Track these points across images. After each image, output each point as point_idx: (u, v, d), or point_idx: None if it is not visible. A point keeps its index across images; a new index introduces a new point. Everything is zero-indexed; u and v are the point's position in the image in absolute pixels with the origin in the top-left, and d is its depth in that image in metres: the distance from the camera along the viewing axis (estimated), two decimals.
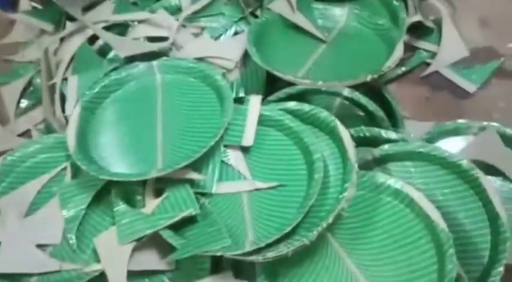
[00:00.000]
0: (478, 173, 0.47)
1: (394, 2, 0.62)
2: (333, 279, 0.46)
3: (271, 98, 0.55)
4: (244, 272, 0.47)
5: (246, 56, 0.60)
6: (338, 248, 0.47)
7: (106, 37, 0.60)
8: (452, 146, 0.57)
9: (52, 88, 0.62)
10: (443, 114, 0.63)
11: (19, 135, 0.64)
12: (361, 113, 0.56)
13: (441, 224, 0.44)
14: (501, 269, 0.43)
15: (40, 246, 0.48)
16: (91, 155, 0.51)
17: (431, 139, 0.57)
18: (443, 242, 0.43)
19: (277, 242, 0.44)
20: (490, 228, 0.46)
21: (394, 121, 0.59)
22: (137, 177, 0.47)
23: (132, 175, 0.48)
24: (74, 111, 0.53)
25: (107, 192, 0.50)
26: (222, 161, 0.51)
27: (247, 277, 0.47)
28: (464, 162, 0.48)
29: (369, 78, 0.54)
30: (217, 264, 0.48)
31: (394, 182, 0.47)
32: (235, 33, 0.64)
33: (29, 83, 0.69)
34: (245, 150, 0.52)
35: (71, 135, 0.51)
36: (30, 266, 0.46)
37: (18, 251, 0.47)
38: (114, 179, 0.47)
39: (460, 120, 0.58)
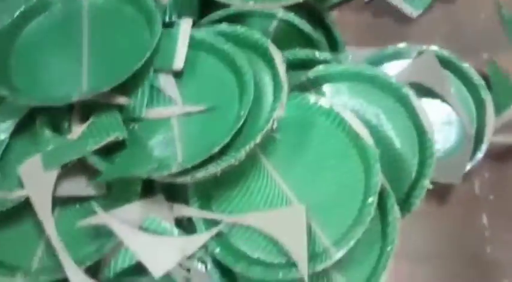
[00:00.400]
0: (408, 90, 0.47)
1: None
2: (264, 200, 0.46)
3: (203, 21, 0.53)
4: (177, 196, 0.47)
5: None
6: (271, 171, 0.47)
7: None
8: (392, 70, 0.57)
9: None
10: (386, 40, 0.62)
11: None
12: (299, 37, 0.55)
13: (369, 141, 0.44)
14: (426, 182, 0.44)
15: None
16: (12, 82, 0.48)
17: (371, 65, 0.56)
18: (370, 157, 0.43)
19: (207, 162, 0.43)
20: (418, 145, 0.47)
21: (334, 47, 0.58)
22: (58, 101, 0.45)
23: (53, 99, 0.45)
24: None
25: (32, 121, 0.48)
26: (152, 86, 0.49)
27: (180, 201, 0.47)
28: (395, 80, 0.48)
29: None
30: (149, 188, 0.47)
31: (325, 102, 0.47)
32: None
33: None
34: (176, 75, 0.50)
35: None
36: None
37: None
38: (32, 103, 0.45)
39: (400, 45, 0.57)
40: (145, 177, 0.43)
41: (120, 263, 0.45)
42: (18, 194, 0.45)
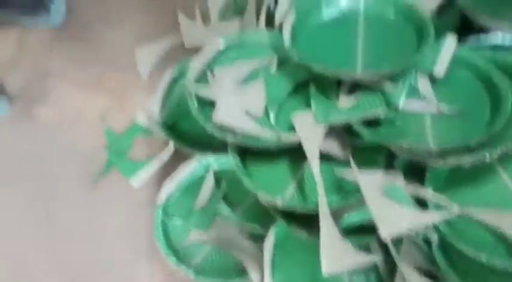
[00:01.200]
0: None
1: None
2: (496, 202, 0.51)
3: (465, 42, 0.60)
4: (412, 177, 0.53)
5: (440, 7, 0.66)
6: (507, 180, 0.52)
7: None
8: None
9: (258, 2, 0.72)
10: None
11: None
12: None
13: None
14: None
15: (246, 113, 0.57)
16: (298, 52, 0.58)
17: None
18: None
19: (461, 152, 0.49)
20: None
21: None
22: (344, 74, 0.55)
23: (338, 71, 0.55)
24: (290, 16, 0.62)
25: (304, 85, 0.58)
26: (411, 84, 0.57)
27: (415, 182, 0.53)
28: None
29: None
30: (389, 164, 0.54)
31: None
32: None
33: None
34: (435, 80, 0.57)
35: (286, 33, 0.59)
36: (237, 123, 0.55)
37: (231, 108, 0.56)
38: (325, 71, 0.54)
39: None
40: (404, 148, 0.50)
41: (353, 217, 0.52)
42: (290, 138, 0.54)
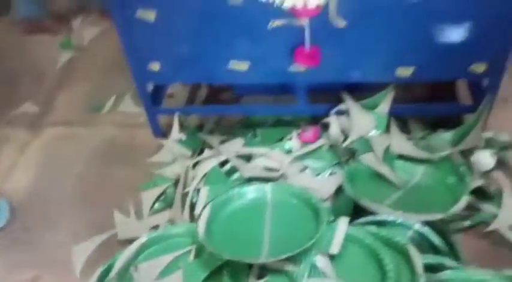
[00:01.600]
0: None
1: (462, 168, 0.77)
2: None
3: (355, 222, 0.70)
4: None
5: (337, 190, 0.77)
6: None
7: (236, 162, 0.81)
8: None
9: (183, 196, 0.82)
10: (502, 265, 0.72)
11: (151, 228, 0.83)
12: (428, 246, 0.69)
13: None
14: None
15: None
16: (213, 241, 0.66)
17: None
18: None
19: None
20: None
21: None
22: (250, 260, 0.62)
23: (246, 258, 0.62)
24: (205, 209, 0.71)
25: (219, 271, 0.65)
26: (312, 263, 0.65)
27: None
28: None
29: (440, 216, 0.68)
30: None
31: None
32: (331, 174, 0.81)
33: (163, 192, 0.89)
34: (332, 257, 0.65)
35: (201, 225, 0.68)
36: None
37: None
38: (235, 258, 0.62)
39: None
40: None
41: None
42: None
